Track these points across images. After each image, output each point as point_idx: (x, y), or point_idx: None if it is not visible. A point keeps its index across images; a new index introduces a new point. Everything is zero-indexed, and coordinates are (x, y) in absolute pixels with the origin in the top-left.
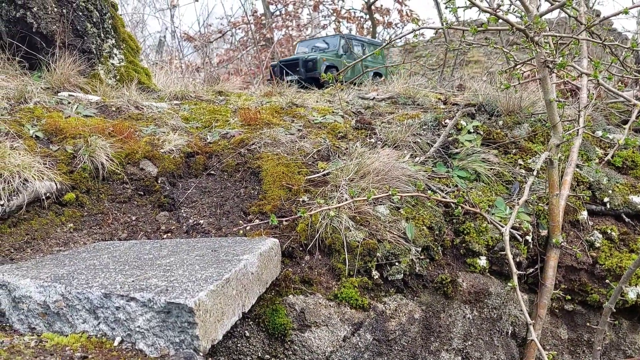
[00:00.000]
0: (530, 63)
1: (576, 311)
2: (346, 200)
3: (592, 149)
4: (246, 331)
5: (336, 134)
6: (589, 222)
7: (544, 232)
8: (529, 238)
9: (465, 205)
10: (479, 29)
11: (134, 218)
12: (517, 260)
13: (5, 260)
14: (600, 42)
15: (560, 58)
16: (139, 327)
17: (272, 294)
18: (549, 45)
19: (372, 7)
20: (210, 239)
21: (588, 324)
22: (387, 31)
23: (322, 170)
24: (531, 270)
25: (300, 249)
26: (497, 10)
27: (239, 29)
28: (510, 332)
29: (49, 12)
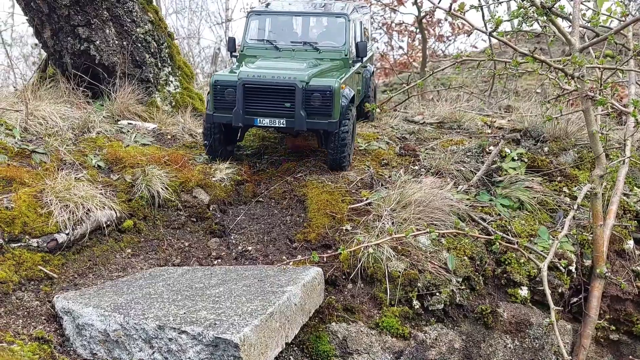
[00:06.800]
0: (575, 91)
1: (621, 341)
2: (387, 232)
3: None
4: (291, 357)
5: (380, 161)
6: (635, 252)
7: (588, 262)
8: (572, 268)
9: (503, 241)
10: (521, 61)
11: (187, 244)
12: (560, 290)
13: (69, 286)
14: None
15: (604, 90)
16: (189, 358)
17: (316, 321)
18: (597, 71)
19: (423, 21)
20: (257, 267)
21: (631, 357)
22: (438, 45)
23: (365, 199)
24: (575, 299)
25: (343, 277)
26: (535, 52)
27: None
28: None
29: (111, 45)
